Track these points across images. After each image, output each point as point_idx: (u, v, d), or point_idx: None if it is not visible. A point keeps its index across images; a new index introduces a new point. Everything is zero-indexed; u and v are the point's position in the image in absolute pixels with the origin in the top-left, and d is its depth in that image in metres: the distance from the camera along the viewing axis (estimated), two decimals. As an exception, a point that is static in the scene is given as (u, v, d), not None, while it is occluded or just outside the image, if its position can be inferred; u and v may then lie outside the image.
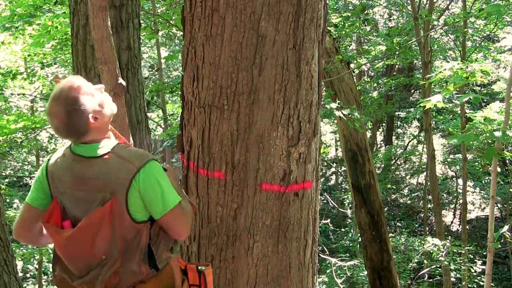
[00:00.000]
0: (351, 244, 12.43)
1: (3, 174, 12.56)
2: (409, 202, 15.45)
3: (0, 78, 8.42)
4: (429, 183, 10.86)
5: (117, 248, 1.76)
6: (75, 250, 1.79)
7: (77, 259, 1.80)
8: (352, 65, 8.17)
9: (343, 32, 7.54)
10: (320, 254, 10.34)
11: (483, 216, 14.50)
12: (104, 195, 1.75)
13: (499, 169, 11.03)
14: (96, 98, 1.83)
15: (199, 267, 1.97)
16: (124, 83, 2.60)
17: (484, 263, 8.69)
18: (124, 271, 1.78)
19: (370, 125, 15.65)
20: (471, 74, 4.19)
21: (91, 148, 1.82)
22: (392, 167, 16.23)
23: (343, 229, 13.85)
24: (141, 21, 5.01)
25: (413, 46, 9.35)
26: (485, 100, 10.61)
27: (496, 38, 13.81)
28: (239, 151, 2.15)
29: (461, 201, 11.68)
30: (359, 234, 8.79)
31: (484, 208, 14.83)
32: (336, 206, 13.54)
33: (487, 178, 13.92)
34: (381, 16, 13.77)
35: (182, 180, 2.39)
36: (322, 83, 2.59)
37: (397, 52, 7.22)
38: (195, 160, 2.26)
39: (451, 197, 15.42)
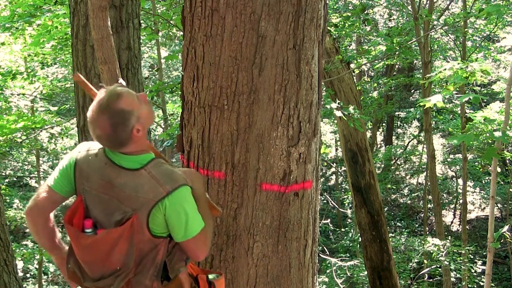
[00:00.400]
0: (351, 244, 12.43)
1: (3, 174, 12.56)
2: (409, 202, 15.45)
3: (0, 78, 8.42)
4: (429, 183, 10.86)
5: (133, 260, 1.77)
6: (91, 257, 1.81)
7: (92, 265, 1.82)
8: (352, 65, 8.17)
9: (343, 32, 7.53)
10: (320, 254, 10.34)
11: (483, 216, 14.50)
12: (126, 209, 1.75)
13: (499, 169, 11.03)
14: (140, 109, 1.80)
15: (210, 277, 1.97)
16: (124, 83, 2.60)
17: (484, 263, 8.69)
18: (136, 282, 1.79)
19: (370, 125, 15.66)
20: (471, 74, 4.19)
21: (126, 159, 1.80)
22: (392, 167, 16.23)
23: (343, 229, 13.86)
24: (141, 21, 5.01)
25: (413, 46, 9.36)
26: (485, 100, 10.61)
27: (496, 38, 13.81)
28: (239, 151, 2.15)
29: (461, 201, 11.68)
30: (359, 234, 8.79)
31: (484, 208, 14.83)
32: (336, 206, 13.54)
33: (487, 178, 13.92)
34: (381, 16, 13.77)
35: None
36: (322, 83, 2.59)
37: (397, 52, 7.22)
38: (195, 160, 2.26)
39: (451, 197, 15.42)
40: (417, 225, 14.47)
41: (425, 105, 4.48)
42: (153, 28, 7.26)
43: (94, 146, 1.89)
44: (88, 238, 1.79)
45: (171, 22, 6.98)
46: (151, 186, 1.74)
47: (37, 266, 10.76)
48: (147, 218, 1.73)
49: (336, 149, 16.59)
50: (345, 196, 14.39)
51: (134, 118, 1.77)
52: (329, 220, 13.04)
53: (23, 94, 8.95)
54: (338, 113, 5.15)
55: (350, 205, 13.18)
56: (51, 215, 1.95)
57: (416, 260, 10.15)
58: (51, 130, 9.91)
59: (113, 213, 1.78)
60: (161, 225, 1.77)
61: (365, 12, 9.11)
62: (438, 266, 9.63)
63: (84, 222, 1.84)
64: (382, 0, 11.82)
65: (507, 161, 11.06)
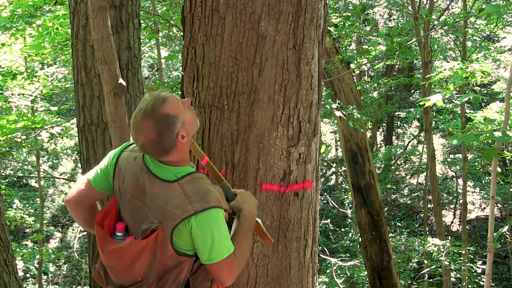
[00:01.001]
0: (351, 244, 12.44)
1: (3, 174, 12.56)
2: (409, 202, 15.45)
3: (0, 78, 8.42)
4: (429, 183, 10.86)
5: (155, 273, 1.73)
6: (113, 263, 1.78)
7: (115, 271, 1.80)
8: (352, 65, 8.17)
9: (343, 32, 7.53)
10: (320, 254, 10.34)
11: (483, 216, 14.50)
12: (153, 220, 1.71)
13: (499, 169, 11.04)
14: (185, 114, 1.74)
15: None
16: (124, 83, 2.60)
17: (484, 263, 8.69)
18: None
19: (370, 125, 15.66)
20: (471, 74, 4.20)
21: (162, 169, 1.75)
22: (392, 167, 16.24)
23: (343, 229, 13.86)
24: (141, 21, 5.01)
25: (413, 46, 9.36)
26: (485, 100, 10.61)
27: (496, 38, 13.81)
28: (239, 151, 2.15)
29: (461, 201, 11.68)
30: (359, 234, 8.79)
31: (484, 208, 14.83)
32: (336, 206, 13.54)
33: (487, 178, 13.92)
34: (381, 16, 13.77)
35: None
36: (322, 83, 2.59)
37: (397, 52, 7.22)
38: (195, 160, 2.26)
39: (451, 197, 15.42)
40: (417, 225, 14.47)
41: (425, 105, 4.48)
42: (153, 28, 7.26)
43: (136, 150, 1.85)
44: (113, 244, 1.76)
45: (171, 22, 6.98)
46: (181, 202, 1.69)
47: (37, 266, 10.77)
48: (171, 233, 1.69)
49: (336, 149, 16.59)
50: (345, 196, 14.39)
51: (179, 123, 1.71)
52: (329, 220, 13.05)
53: (23, 94, 8.95)
54: (338, 113, 5.15)
55: (350, 205, 13.18)
56: (96, 203, 1.95)
57: (416, 260, 10.15)
58: (51, 130, 9.91)
59: (142, 220, 1.75)
60: (187, 243, 1.73)
61: (365, 12, 9.11)
62: (438, 266, 9.63)
63: (116, 225, 1.81)
64: (382, 0, 11.83)
65: (507, 161, 11.06)
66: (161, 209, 1.71)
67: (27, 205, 12.97)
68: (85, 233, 8.95)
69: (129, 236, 1.78)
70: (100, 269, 1.86)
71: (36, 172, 11.41)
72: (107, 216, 1.82)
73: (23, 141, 8.81)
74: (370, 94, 13.67)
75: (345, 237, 13.21)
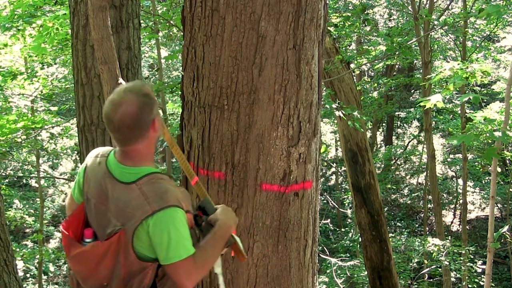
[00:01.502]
0: (351, 244, 12.43)
1: (3, 174, 12.56)
2: (409, 202, 15.45)
3: (0, 78, 8.43)
4: (429, 183, 10.86)
5: (120, 277, 1.72)
6: (79, 268, 1.79)
7: (81, 275, 1.80)
8: (352, 65, 8.17)
9: (343, 32, 7.53)
10: (320, 254, 10.35)
11: (483, 216, 14.50)
12: (116, 223, 1.71)
13: (499, 169, 11.04)
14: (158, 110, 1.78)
15: None
16: (124, 83, 2.60)
17: (484, 263, 8.69)
18: None
19: (370, 125, 15.66)
20: (471, 74, 4.19)
21: (124, 171, 1.75)
22: (392, 167, 16.24)
23: (343, 229, 13.86)
24: (141, 21, 5.01)
25: (413, 46, 9.36)
26: (485, 100, 10.61)
27: (496, 38, 13.82)
28: (239, 151, 2.15)
29: (461, 201, 11.68)
30: (359, 234, 8.79)
31: (484, 208, 14.83)
32: (336, 206, 13.54)
33: (487, 178, 13.92)
34: (381, 16, 13.77)
35: (182, 180, 2.39)
36: (322, 83, 2.59)
37: (397, 52, 7.22)
38: (195, 160, 2.26)
39: (451, 197, 15.42)
40: (417, 225, 14.47)
41: (425, 105, 4.48)
42: (153, 28, 7.26)
43: (102, 153, 1.85)
44: (77, 248, 1.76)
45: (171, 22, 6.98)
46: (139, 203, 1.68)
47: (37, 266, 10.77)
48: (132, 236, 1.67)
49: (336, 149, 16.58)
50: (345, 196, 14.39)
51: (156, 109, 1.73)
52: (329, 220, 13.05)
53: (23, 95, 8.95)
54: (338, 113, 5.15)
55: (350, 205, 13.18)
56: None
57: (416, 260, 10.15)
58: (51, 130, 9.91)
59: (106, 225, 1.74)
60: (147, 246, 1.70)
61: (365, 12, 9.11)
62: (438, 266, 9.63)
63: (85, 231, 1.81)
64: (382, 0, 11.83)
65: (507, 161, 11.06)
66: (122, 212, 1.70)
67: (27, 205, 12.98)
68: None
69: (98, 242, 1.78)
70: (73, 275, 1.87)
71: (36, 172, 11.41)
72: (74, 222, 1.83)
73: (23, 141, 8.81)
74: (370, 94, 13.67)
75: (345, 237, 13.21)
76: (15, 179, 14.74)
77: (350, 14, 7.33)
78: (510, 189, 11.20)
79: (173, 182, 1.80)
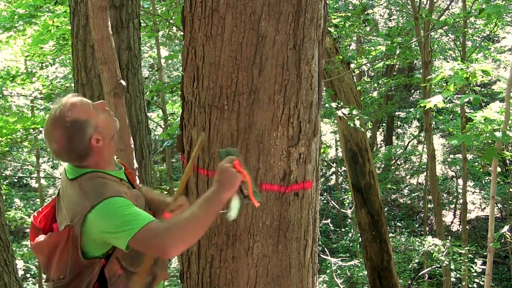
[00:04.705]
0: (351, 244, 12.44)
1: (3, 174, 12.57)
2: (409, 202, 15.45)
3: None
4: (429, 183, 10.86)
5: (73, 272, 1.73)
6: (39, 257, 1.81)
7: (42, 265, 1.83)
8: (352, 65, 8.17)
9: (343, 32, 7.54)
10: (320, 254, 10.35)
11: (483, 216, 14.50)
12: (68, 219, 1.73)
13: (499, 169, 11.04)
14: (98, 118, 1.73)
15: None
16: (124, 83, 2.60)
17: (484, 263, 8.69)
18: None
19: (370, 125, 15.66)
20: (472, 74, 4.19)
21: (71, 168, 1.77)
22: (392, 167, 16.23)
23: (343, 229, 13.86)
24: (141, 21, 5.01)
25: (413, 46, 9.36)
26: (485, 100, 10.60)
27: (496, 38, 13.82)
28: (239, 151, 2.15)
29: (461, 201, 11.68)
30: (359, 234, 8.79)
31: (484, 208, 14.83)
32: (336, 206, 13.54)
33: (487, 178, 13.92)
34: (381, 16, 13.77)
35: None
36: (322, 83, 2.59)
37: (397, 52, 7.22)
38: (195, 160, 2.26)
39: (451, 197, 15.42)
40: (417, 225, 14.46)
41: (425, 105, 4.48)
42: (153, 28, 7.26)
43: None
44: (38, 238, 1.80)
45: (171, 22, 6.98)
46: (80, 199, 1.68)
47: (37, 266, 10.76)
48: (80, 234, 1.67)
49: (336, 149, 16.58)
50: (345, 196, 14.39)
51: (90, 128, 1.70)
52: (329, 220, 13.05)
53: (23, 95, 8.95)
54: (339, 113, 5.15)
55: (350, 205, 13.17)
56: None
57: (416, 260, 10.15)
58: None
59: (63, 220, 1.77)
60: (93, 243, 1.70)
61: (365, 13, 9.11)
62: (438, 266, 9.63)
63: (54, 225, 1.84)
64: (382, 0, 11.83)
65: (507, 161, 11.06)
66: (70, 209, 1.72)
67: (27, 205, 12.99)
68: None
69: None
70: None
71: (36, 172, 11.40)
72: (46, 214, 1.87)
73: (23, 141, 8.81)
74: (370, 94, 13.67)
75: (345, 237, 13.21)
76: (15, 179, 14.74)
77: (350, 14, 7.33)
78: (510, 189, 11.20)
79: (120, 183, 1.79)
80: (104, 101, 1.85)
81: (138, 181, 2.14)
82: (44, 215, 1.88)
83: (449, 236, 11.31)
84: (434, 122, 13.03)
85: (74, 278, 1.75)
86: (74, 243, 1.70)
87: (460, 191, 12.29)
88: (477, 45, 11.20)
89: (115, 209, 1.65)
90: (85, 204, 1.66)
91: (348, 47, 10.72)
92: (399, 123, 17.88)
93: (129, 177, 1.96)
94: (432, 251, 8.60)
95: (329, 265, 10.68)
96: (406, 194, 15.98)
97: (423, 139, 14.49)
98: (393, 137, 17.69)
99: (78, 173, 1.75)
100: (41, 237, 1.80)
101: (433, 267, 9.92)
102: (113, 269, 1.77)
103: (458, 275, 9.85)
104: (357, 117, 5.32)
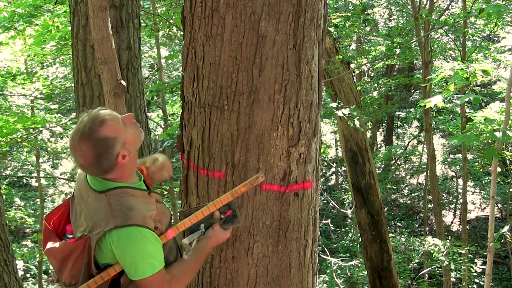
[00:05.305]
0: (351, 244, 12.44)
1: (3, 174, 12.57)
2: (409, 202, 15.45)
3: (0, 78, 8.43)
4: (429, 183, 10.86)
5: (86, 280, 1.74)
6: (52, 262, 1.81)
7: (55, 269, 1.82)
8: (352, 65, 8.17)
9: (343, 32, 7.54)
10: (320, 254, 10.35)
11: (483, 216, 14.50)
12: (86, 228, 1.72)
13: (499, 169, 11.04)
14: (126, 134, 1.72)
15: None
16: (124, 83, 2.60)
17: (484, 263, 8.69)
18: None
19: (370, 125, 15.66)
20: (472, 74, 4.19)
21: (94, 179, 1.76)
22: (392, 167, 16.24)
23: (343, 229, 13.86)
24: (141, 21, 5.01)
25: (413, 46, 9.36)
26: (485, 100, 10.61)
27: (496, 38, 13.82)
28: (239, 151, 2.15)
29: (461, 201, 11.68)
30: (359, 234, 8.80)
31: (484, 208, 14.83)
32: (336, 206, 13.55)
33: (487, 178, 13.92)
34: (381, 16, 13.78)
35: (182, 180, 2.39)
36: (322, 83, 2.59)
37: (397, 52, 7.22)
38: (195, 160, 2.26)
39: (451, 197, 15.42)
40: (417, 225, 14.47)
41: (425, 105, 4.48)
42: (153, 28, 7.26)
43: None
44: (52, 243, 1.78)
45: (171, 22, 6.98)
46: (105, 214, 1.68)
47: (37, 266, 10.77)
48: (95, 246, 1.68)
49: (336, 149, 16.58)
50: (345, 196, 14.39)
51: (119, 145, 1.69)
52: (329, 220, 13.05)
53: (23, 95, 8.96)
54: (339, 113, 5.16)
55: (350, 205, 13.18)
56: None
57: (416, 260, 10.15)
58: (52, 128, 9.92)
59: (79, 226, 1.76)
60: (108, 255, 1.71)
61: (365, 13, 9.12)
62: (438, 266, 9.63)
63: (67, 227, 1.83)
64: (382, 0, 11.83)
65: (507, 161, 11.06)
66: (92, 219, 1.70)
67: (27, 205, 12.99)
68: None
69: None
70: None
71: (36, 172, 11.41)
72: (59, 216, 1.85)
73: (23, 141, 8.81)
74: (370, 94, 13.67)
75: (345, 237, 13.21)
76: (15, 179, 14.74)
77: (350, 14, 7.33)
78: (510, 189, 11.21)
79: (148, 199, 1.79)
80: (132, 113, 1.80)
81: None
82: (58, 216, 1.87)
83: (449, 236, 11.31)
84: (434, 122, 13.03)
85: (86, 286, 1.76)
86: (89, 253, 1.70)
87: (460, 191, 12.30)
88: (477, 45, 11.20)
89: (137, 242, 1.67)
90: (110, 221, 1.66)
91: (348, 47, 10.72)
92: (399, 123, 17.88)
93: (146, 182, 1.95)
94: (432, 251, 8.60)
95: (329, 265, 10.69)
96: (406, 194, 15.98)
97: (423, 139, 14.49)
98: (393, 137, 17.69)
99: (105, 186, 1.73)
100: (56, 244, 1.78)
101: (433, 267, 9.92)
102: (127, 279, 1.76)
103: (458, 275, 9.86)
104: (357, 117, 5.32)
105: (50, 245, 1.78)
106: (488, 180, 13.66)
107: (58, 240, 1.80)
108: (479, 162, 13.15)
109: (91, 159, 1.67)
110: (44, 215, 1.90)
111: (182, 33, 3.56)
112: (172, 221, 1.99)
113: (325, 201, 14.80)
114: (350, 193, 10.22)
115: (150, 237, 1.70)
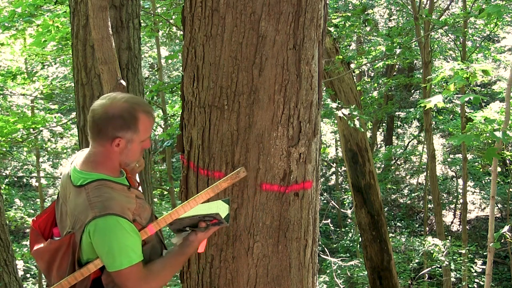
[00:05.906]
0: (351, 244, 12.44)
1: (3, 174, 12.56)
2: (409, 202, 15.45)
3: (0, 78, 8.43)
4: (429, 183, 10.86)
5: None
6: (40, 263, 1.82)
7: (43, 270, 1.84)
8: (352, 65, 8.17)
9: (343, 32, 7.54)
10: (320, 254, 10.35)
11: (483, 216, 14.50)
12: (70, 225, 1.73)
13: (499, 169, 11.04)
14: (137, 140, 1.78)
15: None
16: (124, 83, 2.60)
17: (484, 263, 8.70)
18: None
19: (370, 125, 15.66)
20: (472, 74, 4.19)
21: (79, 175, 1.77)
22: (392, 167, 16.24)
23: (343, 229, 13.86)
24: (141, 21, 5.01)
25: (413, 46, 9.36)
26: (485, 100, 10.61)
27: (496, 38, 13.82)
28: (239, 151, 2.15)
29: (461, 201, 11.68)
30: (359, 234, 8.80)
31: (484, 208, 14.83)
32: (336, 206, 13.55)
33: (487, 178, 13.93)
34: (381, 16, 13.78)
35: (182, 180, 2.39)
36: (322, 83, 2.59)
37: (397, 52, 7.23)
38: (195, 160, 2.26)
39: (451, 197, 15.42)
40: (417, 225, 14.47)
41: (425, 105, 4.48)
42: (153, 28, 7.26)
43: (78, 155, 1.88)
44: (38, 244, 1.80)
45: (171, 22, 6.98)
46: (84, 207, 1.69)
47: (37, 266, 10.76)
48: (79, 242, 1.69)
49: (336, 149, 16.59)
50: (345, 196, 14.40)
51: (129, 134, 1.74)
52: (329, 220, 13.06)
53: (23, 95, 8.95)
54: (339, 113, 5.16)
55: (350, 205, 13.18)
56: None
57: (416, 260, 10.15)
58: (52, 127, 9.92)
59: (64, 226, 1.77)
60: (91, 251, 1.72)
61: (366, 13, 9.12)
62: (438, 266, 9.63)
63: (54, 230, 1.85)
64: (382, 0, 11.83)
65: (507, 161, 11.07)
66: (72, 215, 1.72)
67: (27, 205, 12.99)
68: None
69: None
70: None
71: (36, 172, 11.40)
72: (45, 219, 1.86)
73: (23, 141, 8.81)
74: (370, 94, 13.67)
75: (345, 237, 13.21)
76: (15, 179, 14.74)
77: (350, 14, 7.33)
78: (510, 189, 11.21)
79: (128, 193, 1.80)
80: (151, 142, 1.89)
81: (138, 182, 2.13)
82: (43, 219, 1.88)
83: (449, 236, 11.31)
84: (434, 122, 13.04)
85: (75, 285, 1.76)
86: (74, 250, 1.71)
87: (460, 191, 12.30)
88: (477, 45, 11.20)
89: (115, 232, 1.67)
90: (89, 213, 1.67)
91: (348, 47, 10.72)
92: (399, 123, 17.88)
93: (130, 182, 1.96)
94: (432, 251, 8.60)
95: (329, 265, 10.69)
96: (406, 194, 15.98)
97: (423, 139, 14.49)
98: (393, 137, 17.69)
99: (85, 179, 1.74)
100: (41, 244, 1.80)
101: (433, 267, 9.92)
102: (109, 278, 1.77)
103: (458, 275, 9.86)
104: (357, 117, 5.32)
105: (37, 246, 1.80)
106: (488, 180, 13.67)
107: (43, 242, 1.82)
108: (479, 162, 13.15)
109: (116, 110, 1.70)
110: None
111: (182, 33, 3.57)
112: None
113: (325, 201, 14.80)
114: (350, 193, 10.23)
115: (128, 228, 1.70)
